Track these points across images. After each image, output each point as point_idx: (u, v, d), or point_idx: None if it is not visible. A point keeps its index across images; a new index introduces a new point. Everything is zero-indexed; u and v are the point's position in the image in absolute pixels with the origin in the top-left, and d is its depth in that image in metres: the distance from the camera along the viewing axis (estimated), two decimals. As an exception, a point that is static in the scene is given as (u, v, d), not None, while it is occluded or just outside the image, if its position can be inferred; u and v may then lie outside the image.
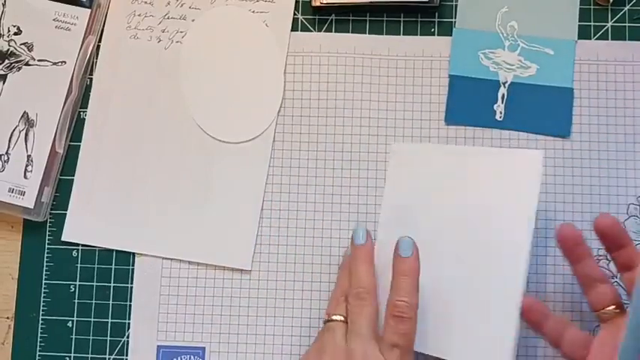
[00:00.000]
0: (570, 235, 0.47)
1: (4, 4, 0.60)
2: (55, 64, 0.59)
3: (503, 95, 0.58)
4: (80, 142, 0.60)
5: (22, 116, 0.59)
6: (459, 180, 0.53)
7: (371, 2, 0.58)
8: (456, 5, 0.59)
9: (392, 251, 0.50)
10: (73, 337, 0.58)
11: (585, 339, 0.47)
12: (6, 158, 0.58)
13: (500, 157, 0.52)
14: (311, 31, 0.60)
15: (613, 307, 0.46)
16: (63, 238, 0.59)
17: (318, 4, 0.58)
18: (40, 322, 0.58)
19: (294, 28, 0.60)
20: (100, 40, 0.60)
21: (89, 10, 0.59)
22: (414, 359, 0.48)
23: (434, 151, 0.56)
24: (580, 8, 0.59)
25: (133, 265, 0.58)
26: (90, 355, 0.57)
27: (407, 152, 0.56)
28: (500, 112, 0.58)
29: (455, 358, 0.50)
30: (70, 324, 0.58)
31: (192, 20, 0.60)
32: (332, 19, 0.60)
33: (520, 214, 0.50)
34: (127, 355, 0.57)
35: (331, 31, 0.60)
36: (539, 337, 0.52)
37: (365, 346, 0.47)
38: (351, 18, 0.60)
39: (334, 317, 0.49)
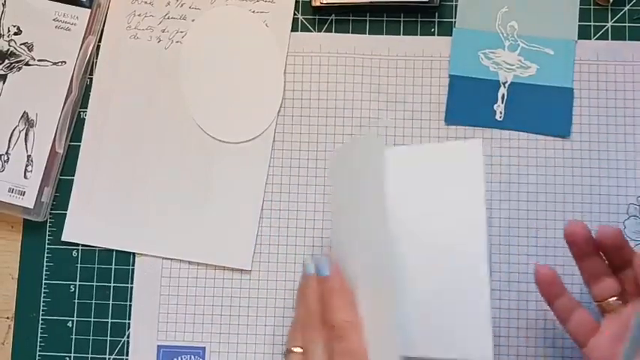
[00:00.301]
0: (580, 234, 0.47)
1: (4, 4, 0.60)
2: (55, 64, 0.59)
3: (503, 95, 0.58)
4: (80, 142, 0.60)
5: (22, 116, 0.59)
6: (402, 179, 0.50)
7: (371, 2, 0.58)
8: (456, 5, 0.59)
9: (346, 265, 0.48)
10: (73, 337, 0.58)
11: (592, 323, 0.48)
12: (6, 158, 0.58)
13: (441, 151, 0.50)
14: (311, 31, 0.60)
15: (615, 298, 0.47)
16: (63, 238, 0.59)
17: (318, 4, 0.58)
18: (40, 322, 0.58)
19: (294, 28, 0.60)
20: (100, 40, 0.60)
21: (89, 10, 0.59)
22: None
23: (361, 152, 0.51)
24: (580, 8, 0.58)
25: (133, 265, 0.58)
26: (90, 355, 0.57)
27: (342, 156, 0.54)
28: (500, 112, 0.58)
29: (438, 354, 0.49)
30: (70, 324, 0.58)
31: (192, 20, 0.60)
32: (332, 19, 0.60)
33: (472, 203, 0.48)
34: (127, 355, 0.57)
35: (331, 31, 0.60)
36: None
37: None
38: (351, 18, 0.60)
39: (293, 349, 0.47)
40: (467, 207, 0.48)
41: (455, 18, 0.59)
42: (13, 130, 0.59)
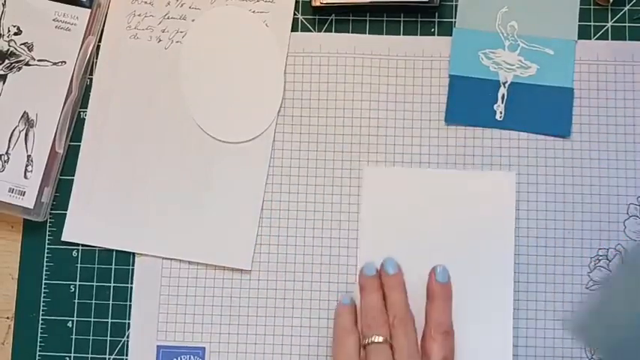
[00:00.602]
0: None
1: (4, 4, 0.60)
2: (55, 64, 0.59)
3: (504, 95, 0.58)
4: (80, 142, 0.60)
5: (22, 116, 0.59)
6: (433, 202, 0.56)
7: (371, 2, 0.58)
8: (456, 5, 0.59)
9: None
10: (73, 337, 0.58)
11: None
12: (6, 158, 0.58)
13: (474, 179, 0.56)
14: (311, 31, 0.60)
15: None
16: (63, 238, 0.59)
17: (318, 4, 0.58)
18: (40, 322, 0.58)
19: (294, 28, 0.60)
20: (100, 40, 0.60)
21: (89, 10, 0.60)
22: None
23: (405, 175, 0.57)
24: (580, 8, 0.58)
25: (133, 265, 0.58)
26: (90, 355, 0.57)
27: (379, 176, 0.57)
28: (501, 112, 0.58)
29: None
30: (70, 324, 0.58)
31: (192, 20, 0.60)
32: (332, 19, 0.60)
33: (500, 231, 0.55)
34: (127, 355, 0.57)
35: (331, 31, 0.60)
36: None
37: None
38: (351, 18, 0.60)
39: (377, 338, 0.50)
40: (495, 236, 0.55)
41: (455, 18, 0.59)
42: (13, 130, 0.59)
